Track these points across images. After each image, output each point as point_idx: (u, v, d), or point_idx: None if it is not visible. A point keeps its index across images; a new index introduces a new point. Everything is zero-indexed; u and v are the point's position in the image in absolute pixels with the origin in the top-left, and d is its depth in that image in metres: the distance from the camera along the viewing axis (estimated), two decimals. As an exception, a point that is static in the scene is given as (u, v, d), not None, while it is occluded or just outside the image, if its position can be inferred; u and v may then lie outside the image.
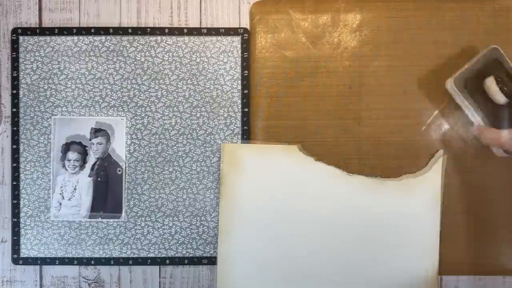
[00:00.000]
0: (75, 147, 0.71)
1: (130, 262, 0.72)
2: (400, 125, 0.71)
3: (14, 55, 0.71)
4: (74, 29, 0.71)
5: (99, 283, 0.73)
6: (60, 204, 0.71)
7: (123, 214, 0.71)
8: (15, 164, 0.71)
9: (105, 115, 0.71)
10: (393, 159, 0.71)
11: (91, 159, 0.71)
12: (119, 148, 0.71)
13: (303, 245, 0.70)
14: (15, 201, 0.71)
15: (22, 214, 0.71)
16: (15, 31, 0.71)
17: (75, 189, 0.71)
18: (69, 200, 0.71)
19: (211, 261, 0.72)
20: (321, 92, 0.71)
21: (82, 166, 0.71)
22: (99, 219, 0.71)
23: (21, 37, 0.71)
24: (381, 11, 0.71)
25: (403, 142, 0.71)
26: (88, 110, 0.71)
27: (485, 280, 0.73)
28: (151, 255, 0.72)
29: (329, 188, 0.70)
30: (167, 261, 0.72)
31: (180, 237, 0.71)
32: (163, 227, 0.71)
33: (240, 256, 0.70)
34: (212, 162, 0.71)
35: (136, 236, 0.72)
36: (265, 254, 0.70)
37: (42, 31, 0.71)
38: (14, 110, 0.71)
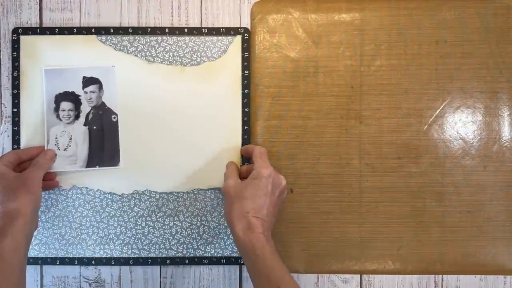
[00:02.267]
0: (69, 97, 0.71)
1: (131, 262, 0.71)
2: (401, 124, 0.71)
3: (15, 55, 0.71)
4: (75, 29, 0.71)
5: (100, 283, 0.73)
6: (56, 155, 0.70)
7: (121, 162, 0.71)
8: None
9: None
10: (394, 158, 0.71)
11: (86, 108, 0.71)
12: (112, 95, 0.71)
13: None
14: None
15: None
16: (15, 31, 0.71)
17: (70, 139, 0.70)
18: (65, 150, 0.70)
19: (212, 260, 0.72)
20: (322, 92, 0.71)
21: (76, 116, 0.71)
22: (97, 168, 0.71)
23: (21, 37, 0.71)
24: (382, 10, 0.71)
25: (405, 141, 0.71)
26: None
27: (486, 280, 0.72)
28: (152, 255, 0.71)
29: (132, 77, 0.71)
30: (168, 261, 0.72)
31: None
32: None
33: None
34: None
35: (137, 236, 0.71)
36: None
37: (42, 30, 0.71)
38: (15, 110, 0.71)
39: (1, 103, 0.72)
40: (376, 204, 0.71)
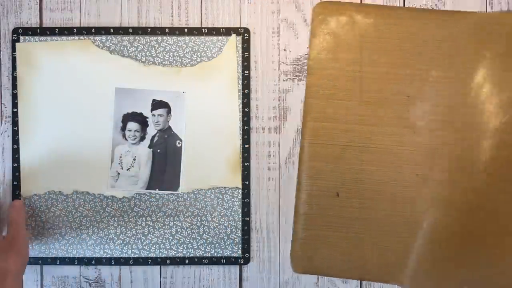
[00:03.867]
0: (136, 117, 0.71)
1: (131, 262, 0.72)
2: (455, 137, 0.69)
3: (15, 55, 0.71)
4: (75, 29, 0.71)
5: (100, 283, 0.73)
6: (118, 174, 0.71)
7: (181, 187, 0.71)
8: (15, 164, 0.71)
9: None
10: (445, 171, 0.69)
11: (152, 131, 0.71)
12: (180, 121, 0.71)
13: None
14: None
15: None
16: (16, 31, 0.71)
17: (134, 159, 0.71)
18: (127, 170, 0.71)
19: (212, 261, 0.72)
20: (377, 98, 0.70)
21: (142, 137, 0.71)
22: (156, 191, 0.71)
23: (21, 37, 0.71)
24: (444, 24, 0.70)
25: (458, 155, 0.69)
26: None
27: None
28: (152, 255, 0.72)
29: (128, 80, 0.71)
30: (168, 261, 0.72)
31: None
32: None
33: (42, 155, 0.71)
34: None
35: (137, 236, 0.71)
36: (66, 152, 0.71)
37: (43, 31, 0.71)
38: (15, 110, 0.71)
39: (1, 103, 0.72)
40: (423, 215, 0.70)
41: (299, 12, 0.73)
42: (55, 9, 0.73)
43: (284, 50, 0.73)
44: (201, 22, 0.73)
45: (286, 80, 0.73)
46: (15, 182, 0.72)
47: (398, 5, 0.72)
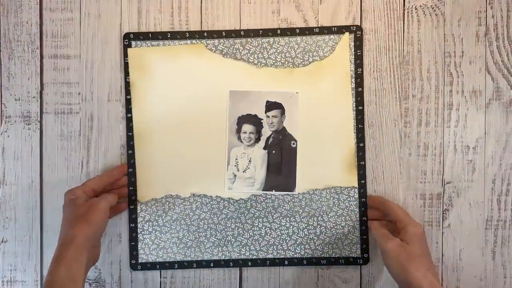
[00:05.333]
0: (251, 119, 0.71)
1: (249, 263, 0.72)
2: None
3: (127, 60, 0.72)
4: (187, 33, 0.72)
5: (100, 283, 0.73)
6: (235, 176, 0.72)
7: (297, 187, 0.71)
8: (131, 169, 0.72)
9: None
10: None
11: (266, 132, 0.72)
12: (294, 121, 0.71)
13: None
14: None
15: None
16: (127, 36, 0.72)
17: (249, 161, 0.71)
18: (244, 172, 0.72)
19: (330, 261, 0.72)
20: None
21: (257, 139, 0.71)
22: (273, 192, 0.71)
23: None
24: None
25: None
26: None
27: (486, 280, 0.73)
28: (270, 256, 0.72)
29: (241, 82, 0.71)
30: (286, 262, 0.72)
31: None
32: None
33: (157, 155, 0.71)
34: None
35: (255, 238, 0.72)
36: (182, 155, 0.71)
37: (154, 35, 0.72)
38: (129, 115, 0.72)
39: (1, 103, 0.73)
40: None
41: (299, 12, 0.72)
42: (55, 9, 0.73)
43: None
44: (201, 22, 0.72)
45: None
46: (131, 188, 0.72)
47: (398, 5, 0.71)
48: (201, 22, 0.72)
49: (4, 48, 0.73)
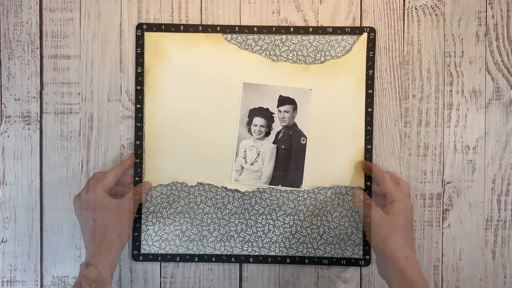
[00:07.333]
0: (262, 113, 0.71)
1: (251, 260, 0.72)
2: None
3: (139, 51, 0.72)
4: (200, 27, 0.72)
5: (100, 283, 0.72)
6: (242, 168, 0.71)
7: (303, 184, 0.71)
8: (137, 160, 0.72)
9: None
10: None
11: (277, 127, 0.71)
12: (305, 118, 0.71)
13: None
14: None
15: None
16: (140, 26, 0.72)
17: (258, 154, 0.71)
18: (251, 164, 0.71)
19: (332, 261, 0.72)
20: None
21: (267, 133, 0.71)
22: (279, 186, 0.71)
23: (145, 33, 0.72)
24: None
25: None
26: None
27: (485, 280, 0.73)
28: (272, 253, 0.72)
29: (256, 75, 0.71)
30: (288, 260, 0.72)
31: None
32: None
33: (166, 142, 0.71)
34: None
35: (258, 234, 0.72)
36: (191, 144, 0.71)
37: (167, 27, 0.72)
38: (139, 106, 0.72)
39: (1, 103, 0.72)
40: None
41: (299, 12, 0.73)
42: (55, 9, 0.73)
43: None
44: (201, 20, 0.73)
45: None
46: (137, 178, 0.72)
47: (398, 5, 0.72)
48: (201, 22, 0.72)
49: (4, 48, 0.72)
